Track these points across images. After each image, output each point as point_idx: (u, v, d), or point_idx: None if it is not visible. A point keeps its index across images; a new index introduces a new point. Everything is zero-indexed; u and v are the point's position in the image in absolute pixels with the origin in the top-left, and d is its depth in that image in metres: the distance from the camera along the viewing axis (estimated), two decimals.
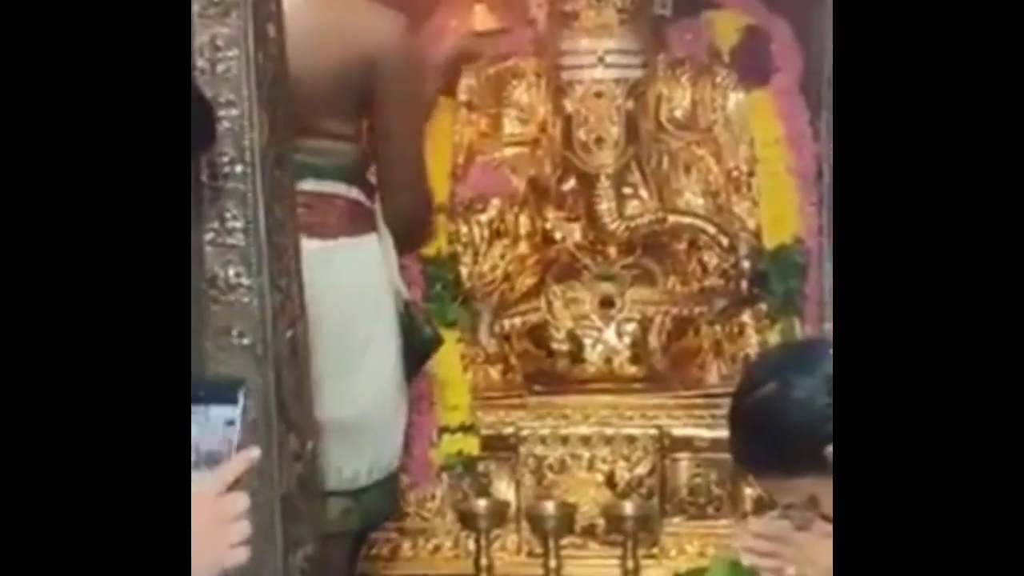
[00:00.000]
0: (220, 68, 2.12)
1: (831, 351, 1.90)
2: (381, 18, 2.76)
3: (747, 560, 2.06)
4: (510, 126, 3.80)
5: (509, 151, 3.77)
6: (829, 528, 1.97)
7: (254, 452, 1.55)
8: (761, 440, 2.13)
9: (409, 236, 3.01)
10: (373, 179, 2.87)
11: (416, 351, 2.94)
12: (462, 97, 3.74)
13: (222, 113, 2.12)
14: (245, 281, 2.15)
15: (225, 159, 2.14)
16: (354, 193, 2.82)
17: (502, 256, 3.72)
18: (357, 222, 2.82)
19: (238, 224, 2.13)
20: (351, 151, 2.82)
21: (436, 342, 3.04)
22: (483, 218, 3.70)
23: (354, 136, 2.83)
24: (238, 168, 2.11)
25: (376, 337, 2.84)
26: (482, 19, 3.33)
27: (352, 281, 2.79)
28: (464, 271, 3.67)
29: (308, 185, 2.68)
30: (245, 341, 2.17)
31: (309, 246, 2.64)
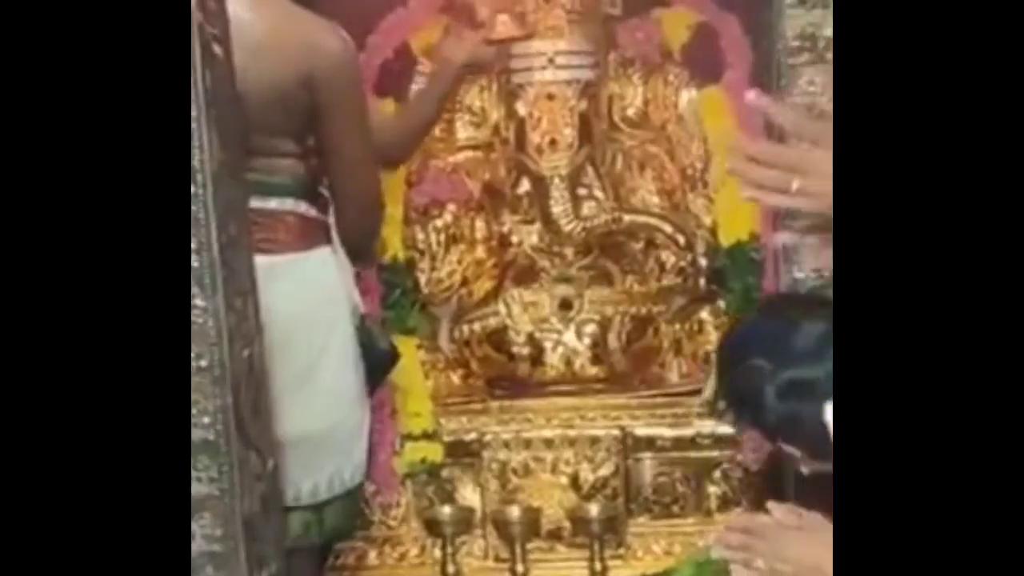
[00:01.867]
0: None
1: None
2: (319, 34, 2.72)
3: (717, 552, 2.04)
4: (463, 130, 3.80)
5: (463, 155, 3.78)
6: (801, 522, 1.96)
7: None
8: (735, 394, 2.11)
9: (364, 248, 2.99)
10: (325, 192, 2.84)
11: (373, 365, 2.92)
12: None
13: None
14: (200, 303, 2.13)
15: None
16: (303, 208, 2.80)
17: (459, 261, 3.73)
18: (308, 236, 2.80)
19: (192, 245, 2.10)
20: (298, 167, 2.79)
21: (393, 357, 3.02)
22: (439, 223, 3.71)
23: (301, 153, 2.80)
24: (190, 189, 2.09)
25: (331, 351, 2.81)
26: (502, 28, 3.30)
27: (304, 296, 2.77)
28: (422, 277, 3.68)
29: (255, 203, 2.65)
30: (202, 363, 2.15)
31: (258, 263, 2.63)
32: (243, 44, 2.48)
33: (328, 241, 2.82)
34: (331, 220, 2.83)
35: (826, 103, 2.36)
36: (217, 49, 2.14)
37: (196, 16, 2.07)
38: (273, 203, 2.74)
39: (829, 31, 2.41)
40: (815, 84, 2.37)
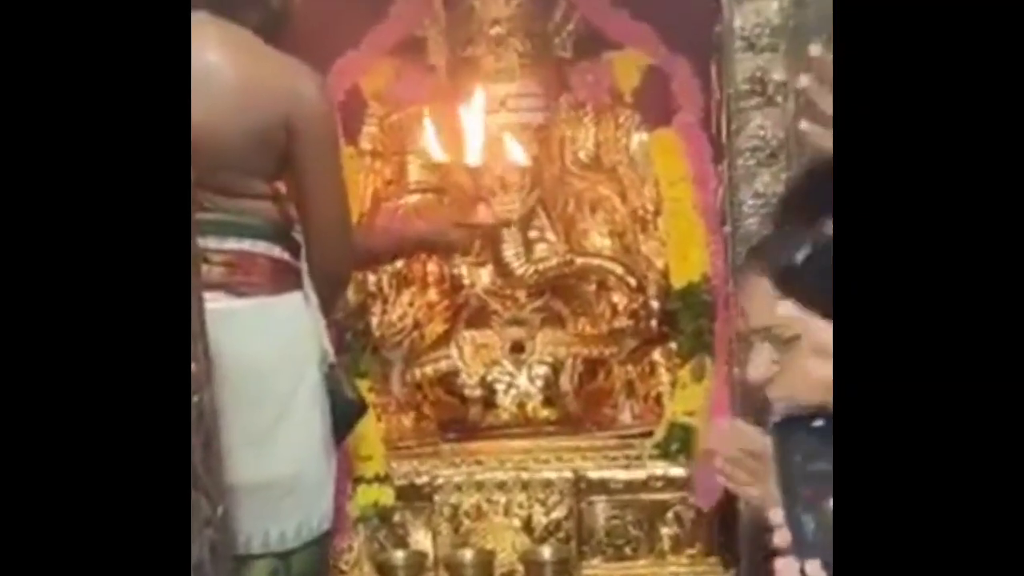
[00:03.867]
0: None
1: None
2: (297, 77, 2.72)
3: (717, 462, 1.95)
4: (415, 173, 3.79)
5: (414, 198, 3.77)
6: None
7: None
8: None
9: (334, 296, 2.96)
10: (299, 237, 2.83)
11: (340, 416, 2.89)
12: (365, 145, 3.74)
13: None
14: None
15: None
16: (277, 252, 2.78)
17: (411, 303, 3.72)
18: (281, 280, 2.77)
19: None
20: (273, 210, 2.78)
21: (360, 408, 2.99)
22: (390, 266, 3.70)
23: (274, 195, 2.79)
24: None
25: (300, 396, 2.78)
26: (478, 215, 3.30)
27: (275, 339, 2.74)
28: (374, 320, 3.66)
29: (231, 244, 2.65)
30: None
31: (232, 305, 2.61)
32: (220, 86, 2.48)
33: (300, 286, 2.80)
34: (303, 265, 2.81)
35: (776, 146, 2.39)
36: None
37: None
38: (246, 244, 2.72)
39: (778, 75, 2.43)
40: (765, 128, 2.38)
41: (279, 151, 2.72)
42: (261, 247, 2.76)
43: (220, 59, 2.61)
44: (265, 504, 2.72)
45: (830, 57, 1.49)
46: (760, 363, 1.89)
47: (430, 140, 3.27)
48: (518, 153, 3.42)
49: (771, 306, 1.80)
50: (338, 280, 2.94)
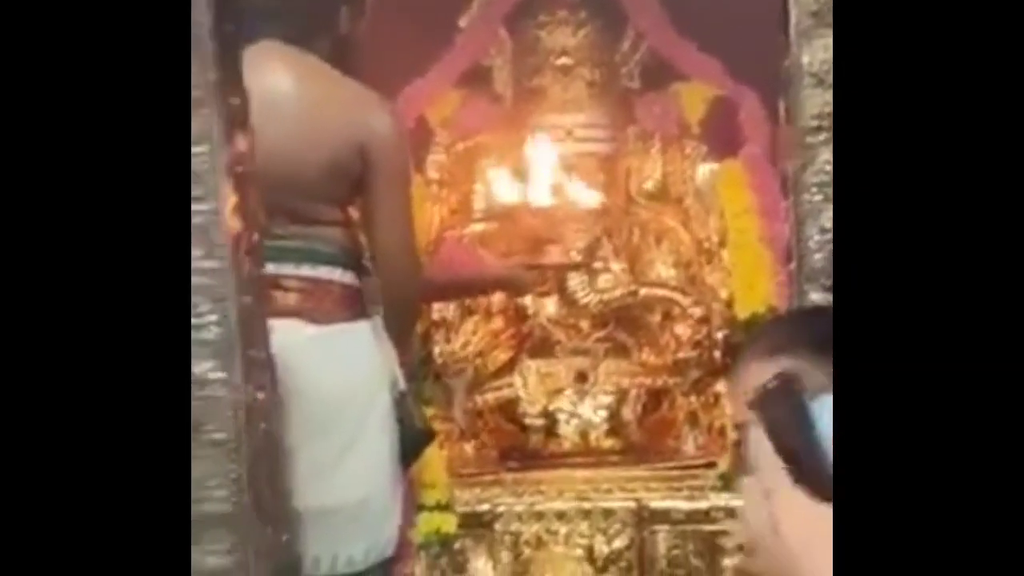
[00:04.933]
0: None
1: None
2: (371, 105, 2.75)
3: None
4: (480, 202, 3.81)
5: (479, 227, 3.78)
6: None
7: None
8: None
9: (406, 326, 2.97)
10: (368, 264, 2.84)
11: (408, 443, 2.91)
12: (432, 174, 3.76)
13: (193, 208, 2.10)
14: (220, 375, 2.13)
15: (199, 253, 2.12)
16: (348, 278, 2.80)
17: (475, 332, 3.73)
18: (353, 307, 2.79)
19: (212, 318, 2.10)
20: (345, 236, 2.80)
21: (428, 436, 3.00)
22: None
23: (345, 221, 2.81)
24: (207, 264, 2.09)
25: (370, 424, 2.80)
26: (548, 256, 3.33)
27: (348, 366, 2.75)
28: (437, 348, 3.67)
29: (305, 271, 2.67)
30: (218, 436, 2.14)
31: (306, 331, 2.64)
32: (292, 114, 2.51)
33: (370, 314, 2.82)
34: (374, 292, 2.83)
35: None
36: (239, 121, 2.15)
37: (217, 92, 2.08)
38: (321, 271, 2.74)
39: None
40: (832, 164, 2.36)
41: (352, 179, 2.74)
42: (335, 274, 2.78)
43: (292, 87, 2.64)
44: (332, 529, 2.74)
45: None
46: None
47: (498, 180, 3.28)
48: (586, 195, 3.42)
49: None
50: (406, 309, 2.95)
